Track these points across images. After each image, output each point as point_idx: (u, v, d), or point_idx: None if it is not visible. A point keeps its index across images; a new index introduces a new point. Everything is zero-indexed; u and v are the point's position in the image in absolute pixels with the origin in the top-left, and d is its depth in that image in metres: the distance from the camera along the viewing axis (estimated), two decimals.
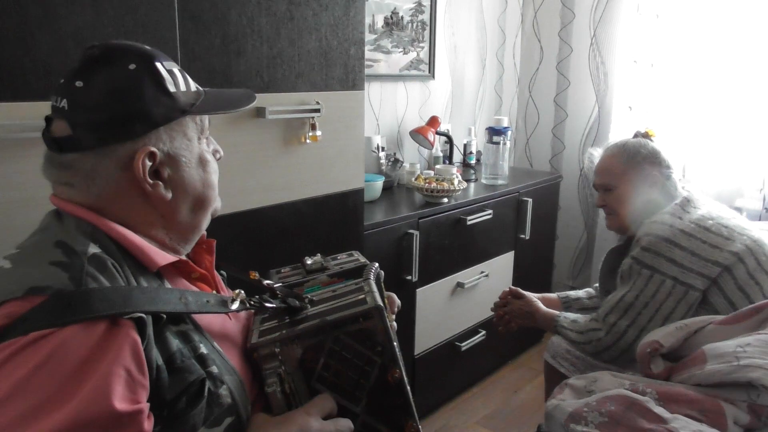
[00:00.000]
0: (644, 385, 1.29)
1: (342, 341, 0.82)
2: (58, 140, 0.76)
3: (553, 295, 1.95)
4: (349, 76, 1.67)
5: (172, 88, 0.79)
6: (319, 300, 0.89)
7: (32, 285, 0.66)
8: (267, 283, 0.93)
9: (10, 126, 1.05)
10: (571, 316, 1.69)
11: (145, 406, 0.67)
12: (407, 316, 2.19)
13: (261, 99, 1.47)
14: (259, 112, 1.46)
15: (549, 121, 3.35)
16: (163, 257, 0.80)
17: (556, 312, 1.73)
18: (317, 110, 1.57)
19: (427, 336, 2.29)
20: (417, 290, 2.19)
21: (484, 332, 2.53)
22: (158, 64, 0.79)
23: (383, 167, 2.49)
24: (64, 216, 0.78)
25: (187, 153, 0.82)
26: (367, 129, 2.53)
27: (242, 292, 0.85)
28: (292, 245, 1.62)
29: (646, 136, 1.72)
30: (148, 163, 0.78)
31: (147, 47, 0.81)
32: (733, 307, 1.46)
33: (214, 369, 0.76)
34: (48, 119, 0.79)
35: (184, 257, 0.86)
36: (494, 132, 2.64)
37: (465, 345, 2.45)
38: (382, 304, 0.82)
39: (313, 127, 1.58)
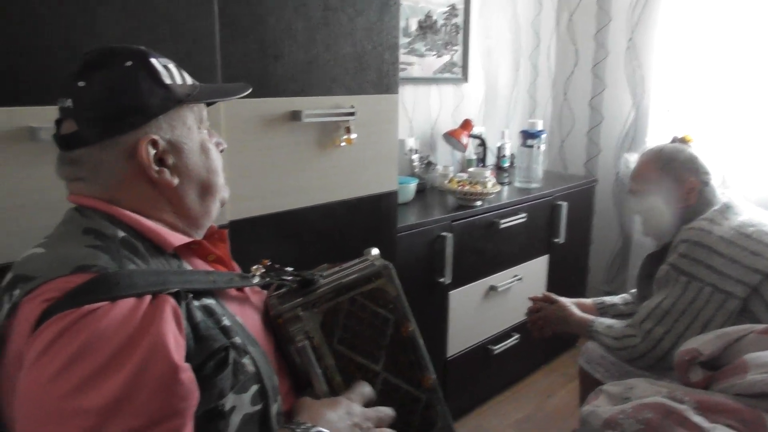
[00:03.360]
0: (682, 394, 1.26)
1: (357, 302, 0.88)
2: (66, 137, 0.82)
3: (588, 301, 1.92)
4: (383, 80, 1.69)
5: (167, 81, 0.84)
6: (329, 275, 0.95)
7: (79, 264, 0.71)
8: (278, 267, 0.98)
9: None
10: (607, 321, 1.66)
11: (189, 365, 0.71)
12: (440, 319, 2.19)
13: (297, 102, 1.49)
14: (295, 116, 1.48)
15: (584, 124, 3.31)
16: (178, 238, 0.85)
17: (591, 317, 1.71)
18: (352, 113, 1.59)
19: (460, 339, 2.29)
20: (450, 293, 2.19)
21: (517, 336, 2.51)
22: (153, 60, 0.84)
23: (416, 170, 2.50)
24: (83, 209, 0.83)
25: (189, 141, 0.86)
26: (400, 131, 2.54)
27: (261, 266, 0.92)
28: (326, 246, 1.63)
29: (683, 141, 1.69)
30: (152, 151, 0.82)
31: (141, 47, 0.86)
32: None
33: (237, 339, 0.79)
34: (58, 122, 0.84)
35: (198, 239, 0.90)
36: (528, 135, 2.62)
37: (498, 348, 2.43)
38: (389, 264, 0.89)
39: (348, 130, 1.60)
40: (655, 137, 2.89)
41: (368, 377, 0.89)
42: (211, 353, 0.75)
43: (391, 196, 1.79)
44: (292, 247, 1.57)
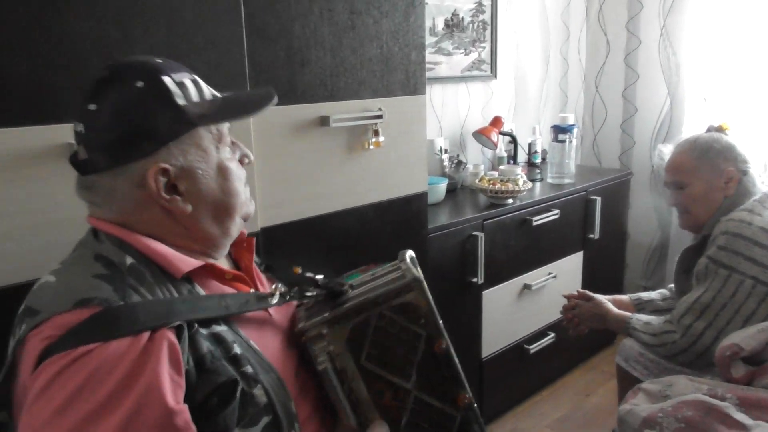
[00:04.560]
0: (723, 390, 1.24)
1: (386, 317, 0.84)
2: (78, 163, 0.80)
3: (624, 297, 1.89)
4: (411, 80, 1.69)
5: (180, 102, 0.80)
6: (358, 284, 0.90)
7: (79, 298, 0.71)
8: (308, 275, 0.94)
9: None
10: (644, 317, 1.63)
11: (186, 406, 0.70)
12: (474, 319, 2.18)
13: (325, 107, 1.51)
14: (324, 121, 1.50)
15: (617, 116, 3.25)
16: (187, 263, 0.81)
17: (628, 314, 1.68)
18: (380, 116, 1.60)
19: (495, 338, 2.27)
20: (483, 293, 2.18)
21: (553, 334, 2.48)
22: (166, 78, 0.79)
23: (446, 169, 2.49)
24: (98, 232, 0.82)
25: (204, 164, 0.82)
26: (429, 132, 2.54)
27: (280, 285, 0.88)
28: (358, 250, 1.65)
29: (719, 130, 1.65)
30: (162, 180, 0.79)
31: (157, 61, 0.82)
32: None
33: (249, 369, 0.77)
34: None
35: (211, 261, 0.87)
36: (559, 130, 2.59)
37: (534, 347, 2.41)
38: (420, 276, 0.84)
39: (376, 133, 1.61)
40: (692, 127, 2.81)
41: (399, 395, 0.86)
42: (215, 388, 0.73)
43: (421, 197, 1.79)
44: (323, 252, 1.58)
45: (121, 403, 0.65)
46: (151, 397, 0.66)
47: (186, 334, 0.73)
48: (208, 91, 0.85)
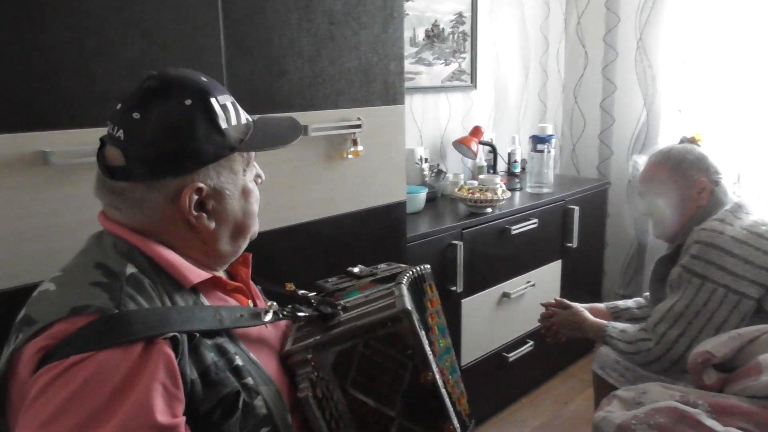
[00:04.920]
0: (696, 397, 1.26)
1: (373, 346, 0.84)
2: (111, 168, 0.81)
3: (601, 306, 1.92)
4: (390, 91, 1.70)
5: (223, 125, 0.82)
6: (352, 306, 0.91)
7: (74, 305, 0.71)
8: (302, 293, 0.96)
9: (68, 152, 1.12)
10: (620, 325, 1.65)
11: (182, 419, 0.70)
12: (453, 327, 2.18)
13: (303, 117, 1.51)
14: (303, 130, 1.50)
15: (595, 126, 3.30)
16: (197, 275, 0.84)
17: (605, 322, 1.70)
18: (358, 126, 1.61)
19: (474, 347, 2.28)
20: (462, 301, 2.19)
21: (532, 342, 2.50)
22: (213, 100, 0.82)
23: (427, 178, 2.51)
24: (104, 236, 0.83)
25: (232, 186, 0.86)
26: (410, 141, 2.56)
27: (275, 303, 0.89)
28: (337, 259, 1.65)
29: (692, 141, 1.68)
30: (195, 197, 0.81)
31: (204, 79, 0.84)
32: None
33: (250, 380, 0.79)
34: (102, 141, 0.83)
35: (218, 274, 0.90)
36: (538, 140, 2.62)
37: (513, 356, 2.43)
38: (409, 308, 0.84)
39: (355, 143, 1.62)
40: (668, 138, 2.87)
41: (382, 422, 0.86)
42: (220, 399, 0.74)
43: (400, 206, 1.80)
44: (303, 261, 1.58)
45: (110, 417, 0.65)
46: (140, 413, 0.66)
47: (185, 345, 0.74)
48: (243, 114, 0.88)
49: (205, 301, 0.85)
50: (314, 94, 1.53)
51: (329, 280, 1.16)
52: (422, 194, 2.27)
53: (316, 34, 1.51)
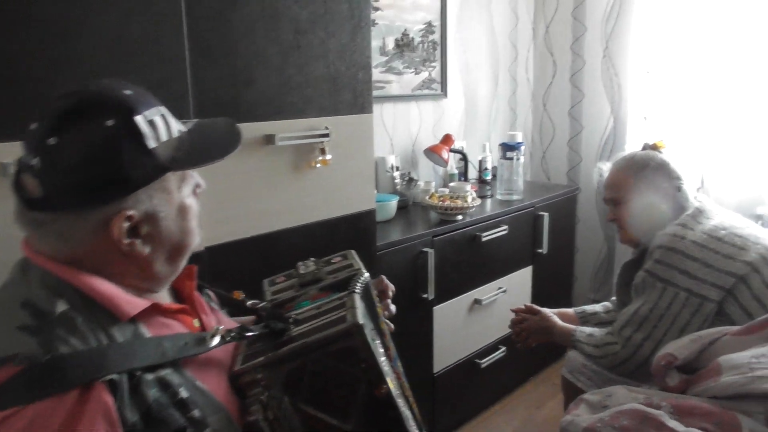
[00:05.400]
0: (659, 399, 1.28)
1: (325, 361, 0.81)
2: (29, 199, 0.73)
3: (570, 311, 1.94)
4: (358, 99, 1.71)
5: (152, 144, 0.75)
6: (303, 318, 0.88)
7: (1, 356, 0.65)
8: (251, 304, 0.91)
9: None
10: (588, 330, 1.68)
11: None
12: (425, 334, 2.20)
13: (270, 126, 1.51)
14: (269, 139, 1.50)
15: (564, 134, 3.35)
16: (134, 305, 0.77)
17: (573, 326, 1.73)
18: (326, 135, 1.61)
19: (446, 353, 2.29)
20: (434, 308, 2.20)
21: (504, 348, 2.52)
22: (138, 118, 0.74)
23: (398, 186, 2.52)
24: (30, 267, 0.76)
25: (167, 207, 0.79)
26: (381, 149, 2.57)
27: (221, 327, 0.83)
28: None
29: (654, 147, 1.72)
30: (125, 225, 0.75)
31: (127, 93, 0.76)
32: (749, 318, 1.44)
33: (196, 413, 0.74)
34: (18, 166, 0.76)
35: (157, 299, 0.84)
36: (507, 147, 2.65)
37: (485, 362, 2.44)
38: (361, 322, 0.81)
39: (323, 152, 1.62)
40: (634, 144, 2.92)
41: None
42: None
43: (370, 215, 1.80)
44: (272, 270, 1.57)
45: None
46: None
47: (125, 387, 0.68)
48: (175, 126, 0.81)
49: (146, 332, 0.78)
50: (281, 102, 1.53)
51: (276, 280, 1.13)
52: (393, 202, 2.28)
53: (282, 42, 1.51)
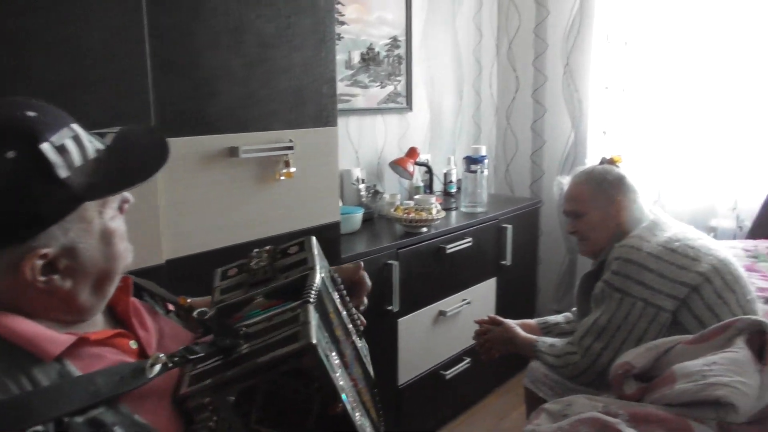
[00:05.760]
0: (617, 407, 1.31)
1: (277, 381, 0.77)
2: None
3: (532, 321, 1.97)
4: (322, 113, 1.72)
5: (63, 174, 0.68)
6: (254, 332, 0.82)
7: None
8: (198, 313, 0.83)
9: None
10: (549, 340, 1.71)
11: None
12: (390, 346, 2.20)
13: (234, 138, 1.51)
14: (233, 152, 1.50)
15: (527, 148, 3.41)
16: (58, 344, 0.70)
17: (535, 337, 1.75)
18: (291, 147, 1.61)
19: (411, 365, 2.30)
20: (399, 320, 2.20)
21: (468, 360, 2.54)
22: (44, 146, 0.67)
23: (363, 199, 2.53)
24: None
25: (87, 237, 0.72)
26: (346, 162, 2.58)
27: (161, 355, 0.74)
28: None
29: (611, 162, 1.77)
30: (39, 263, 0.68)
31: (30, 115, 0.68)
32: (702, 326, 1.48)
33: None
34: None
35: (82, 332, 0.76)
36: (471, 161, 2.69)
37: (450, 373, 2.45)
38: (314, 341, 0.75)
39: (287, 164, 1.62)
40: (594, 158, 2.98)
41: None
42: None
43: (334, 227, 1.81)
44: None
45: None
46: None
47: None
48: (91, 146, 0.73)
49: (74, 370, 0.70)
50: (246, 115, 1.53)
51: (228, 271, 1.04)
52: (358, 215, 2.29)
53: (247, 55, 1.51)
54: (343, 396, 0.80)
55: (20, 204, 0.66)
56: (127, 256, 0.80)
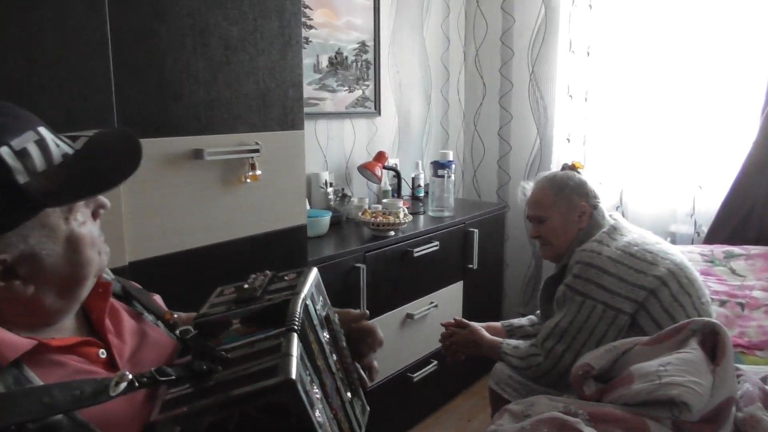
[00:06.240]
0: (576, 407, 1.34)
1: (251, 415, 0.73)
2: None
3: (497, 324, 2.00)
4: (288, 116, 1.72)
5: (22, 179, 0.66)
6: (234, 358, 0.78)
7: None
8: (181, 332, 0.80)
9: None
10: (513, 342, 1.74)
11: None
12: None
13: (199, 141, 1.50)
14: (197, 154, 1.49)
15: (494, 153, 3.46)
16: (14, 348, 0.68)
17: (500, 339, 1.78)
18: (256, 150, 1.61)
19: (379, 368, 2.30)
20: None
21: (435, 362, 2.56)
22: (3, 150, 0.65)
23: (332, 203, 2.53)
24: None
25: (50, 243, 0.71)
26: (315, 165, 2.58)
27: (127, 373, 0.70)
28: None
29: (573, 168, 1.81)
30: None
31: None
32: (660, 329, 1.52)
33: None
34: None
35: (46, 337, 0.73)
36: (439, 166, 2.71)
37: (417, 376, 2.47)
38: (294, 376, 0.71)
39: (253, 167, 1.62)
40: (559, 164, 3.05)
41: None
42: None
43: (301, 230, 1.81)
44: (199, 285, 1.55)
45: None
46: None
47: None
48: (57, 151, 0.72)
49: (33, 376, 0.68)
50: (210, 118, 1.53)
51: (225, 290, 1.03)
52: (326, 218, 2.29)
53: (212, 58, 1.51)
54: (321, 430, 0.76)
55: None
56: (99, 262, 0.78)
